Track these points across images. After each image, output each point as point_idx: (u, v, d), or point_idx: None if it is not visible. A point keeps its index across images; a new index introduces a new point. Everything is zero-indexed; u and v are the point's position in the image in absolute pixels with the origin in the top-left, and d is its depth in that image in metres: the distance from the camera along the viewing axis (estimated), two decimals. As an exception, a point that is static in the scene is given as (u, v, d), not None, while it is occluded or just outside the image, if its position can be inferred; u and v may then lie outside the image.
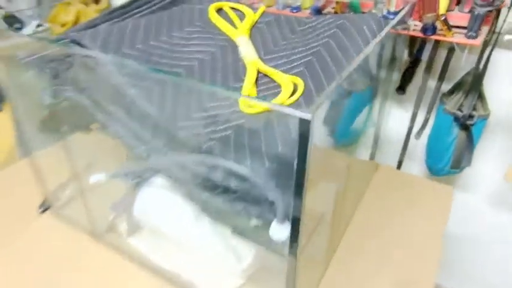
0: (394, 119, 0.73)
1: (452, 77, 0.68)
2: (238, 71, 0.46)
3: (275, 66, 0.46)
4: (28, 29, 0.94)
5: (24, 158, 0.67)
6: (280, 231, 0.35)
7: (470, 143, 0.66)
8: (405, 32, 0.59)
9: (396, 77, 0.71)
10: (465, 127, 0.65)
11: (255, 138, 0.37)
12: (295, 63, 0.46)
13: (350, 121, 0.52)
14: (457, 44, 0.61)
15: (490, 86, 0.66)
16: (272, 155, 0.35)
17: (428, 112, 0.71)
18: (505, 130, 0.68)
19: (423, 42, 0.67)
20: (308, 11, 0.68)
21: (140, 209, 0.51)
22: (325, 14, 0.66)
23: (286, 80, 0.42)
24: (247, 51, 0.47)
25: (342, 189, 0.48)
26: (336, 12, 0.65)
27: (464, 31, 0.58)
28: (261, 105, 0.33)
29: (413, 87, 0.72)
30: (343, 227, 0.57)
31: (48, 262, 0.53)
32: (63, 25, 0.90)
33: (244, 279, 0.48)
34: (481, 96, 0.65)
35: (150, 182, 0.49)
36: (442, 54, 0.66)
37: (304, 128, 0.26)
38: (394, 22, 0.47)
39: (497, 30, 0.58)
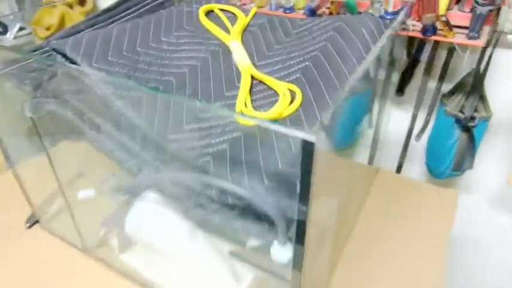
0: (394, 120, 0.71)
1: (452, 77, 0.67)
2: (231, 77, 0.44)
3: (270, 73, 0.44)
4: (12, 34, 0.91)
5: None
6: (282, 252, 0.33)
7: (472, 145, 0.64)
8: (405, 33, 0.57)
9: (396, 78, 0.70)
10: (467, 129, 0.63)
11: (252, 152, 0.35)
12: (292, 69, 0.44)
13: (348, 124, 0.50)
14: (459, 44, 0.59)
15: (492, 87, 0.64)
16: (271, 171, 0.33)
17: (429, 114, 0.69)
18: (506, 132, 0.67)
19: (422, 42, 0.65)
20: (302, 12, 0.65)
21: (132, 225, 0.48)
22: (320, 15, 0.64)
23: (283, 89, 0.40)
24: (241, 57, 0.45)
25: (344, 200, 0.46)
26: (331, 13, 0.63)
27: (465, 31, 0.55)
28: (260, 124, 0.31)
29: (412, 89, 0.70)
30: (344, 238, 0.55)
31: (37, 279, 0.51)
32: (47, 28, 0.87)
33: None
34: (482, 97, 0.63)
35: (142, 196, 0.47)
36: (442, 54, 0.65)
37: (308, 149, 0.24)
38: (394, 25, 0.45)
39: (498, 29, 0.56)
